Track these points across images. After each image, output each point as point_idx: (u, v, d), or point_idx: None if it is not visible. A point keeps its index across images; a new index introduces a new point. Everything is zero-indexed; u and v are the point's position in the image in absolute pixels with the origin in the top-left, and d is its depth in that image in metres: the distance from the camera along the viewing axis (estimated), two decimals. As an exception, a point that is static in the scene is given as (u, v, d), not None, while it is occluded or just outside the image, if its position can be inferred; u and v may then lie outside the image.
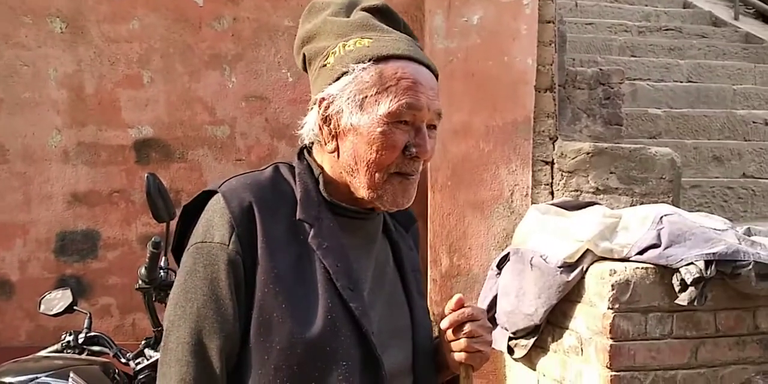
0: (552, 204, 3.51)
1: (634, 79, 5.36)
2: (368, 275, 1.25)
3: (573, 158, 3.68)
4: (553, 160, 3.73)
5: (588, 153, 3.65)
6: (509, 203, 3.68)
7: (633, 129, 4.76)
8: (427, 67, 1.23)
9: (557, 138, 3.76)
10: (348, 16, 1.26)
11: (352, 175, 1.21)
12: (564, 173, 3.68)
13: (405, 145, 1.18)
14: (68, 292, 2.93)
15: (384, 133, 1.17)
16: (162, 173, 3.77)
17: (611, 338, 2.87)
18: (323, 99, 1.21)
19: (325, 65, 1.22)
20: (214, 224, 1.17)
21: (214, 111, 3.93)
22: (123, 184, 3.89)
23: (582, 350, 3.04)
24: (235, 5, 3.94)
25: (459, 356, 1.24)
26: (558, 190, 3.68)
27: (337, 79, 1.20)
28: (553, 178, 3.70)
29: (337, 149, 1.21)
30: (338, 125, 1.20)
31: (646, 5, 7.06)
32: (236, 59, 3.94)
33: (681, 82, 5.60)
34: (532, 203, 3.64)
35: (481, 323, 1.25)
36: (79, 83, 3.88)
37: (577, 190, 3.65)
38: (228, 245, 1.15)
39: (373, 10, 1.26)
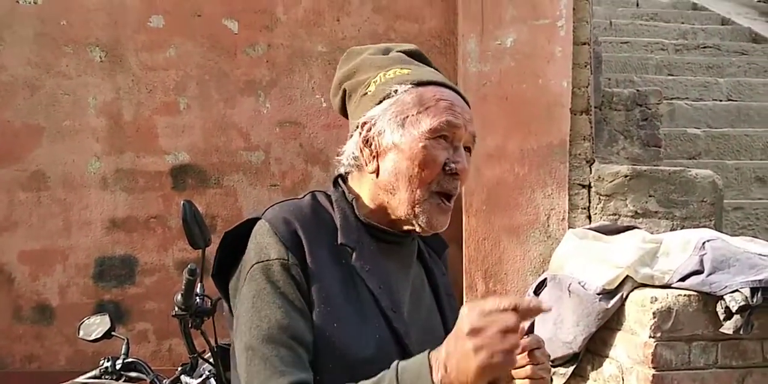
0: (590, 228, 3.45)
1: (672, 99, 5.27)
2: (406, 299, 1.28)
3: (611, 181, 3.62)
4: (590, 183, 3.67)
5: (626, 176, 3.59)
6: (545, 228, 3.63)
7: (672, 149, 4.68)
8: (464, 99, 1.30)
9: (594, 161, 3.71)
10: (385, 55, 1.35)
11: (391, 194, 1.24)
12: (601, 197, 3.62)
13: (444, 161, 1.22)
14: (106, 318, 2.96)
15: (426, 147, 1.21)
16: (198, 199, 3.80)
17: (653, 367, 2.80)
18: (365, 122, 1.26)
19: (366, 93, 1.29)
20: (267, 245, 1.19)
21: (249, 137, 3.97)
22: (160, 210, 3.93)
23: (623, 379, 2.96)
24: (270, 32, 3.98)
25: (522, 383, 1.24)
26: (595, 214, 3.62)
27: (379, 102, 1.26)
28: (590, 202, 3.64)
29: (377, 170, 1.25)
30: (379, 145, 1.25)
31: (683, 23, 6.97)
32: (271, 85, 3.98)
33: (721, 100, 5.49)
34: (569, 228, 3.58)
35: (543, 351, 1.24)
36: (117, 111, 3.95)
37: (615, 214, 3.59)
38: (288, 260, 1.18)
39: (408, 53, 1.35)
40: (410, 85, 1.25)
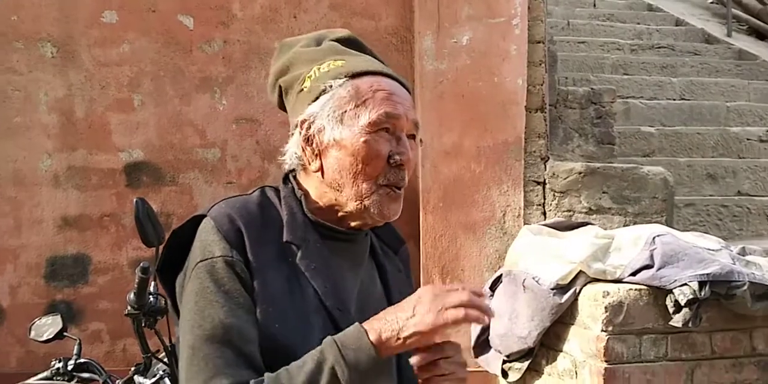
0: (544, 225, 3.49)
1: (627, 98, 5.36)
2: (354, 297, 1.26)
3: (565, 178, 3.67)
4: (545, 180, 3.71)
5: (580, 173, 3.64)
6: (501, 224, 3.66)
7: (626, 147, 4.76)
8: (401, 83, 1.27)
9: (549, 158, 3.75)
10: (318, 47, 1.31)
11: (338, 191, 1.23)
12: (556, 193, 3.67)
13: (388, 154, 1.21)
14: (58, 318, 2.91)
15: (367, 142, 1.20)
16: (152, 197, 3.75)
17: (605, 361, 2.84)
18: (305, 120, 1.24)
19: (302, 89, 1.26)
20: (211, 242, 1.18)
21: (204, 134, 3.92)
22: (113, 208, 3.87)
23: (576, 373, 3.00)
24: (226, 28, 3.95)
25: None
26: (550, 210, 3.67)
27: (316, 98, 1.24)
28: (545, 199, 3.69)
29: (321, 168, 1.23)
30: (321, 143, 1.23)
31: (638, 23, 7.10)
32: (227, 82, 3.94)
33: (674, 99, 5.60)
34: (525, 224, 3.62)
35: (454, 360, 1.18)
36: (69, 107, 3.87)
37: (569, 211, 3.64)
38: (232, 257, 1.16)
39: (341, 41, 1.32)
40: (345, 79, 1.23)
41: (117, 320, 3.68)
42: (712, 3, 7.86)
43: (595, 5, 7.36)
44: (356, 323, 1.13)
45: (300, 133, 1.24)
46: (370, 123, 1.20)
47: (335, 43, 1.30)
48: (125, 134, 3.88)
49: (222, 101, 3.93)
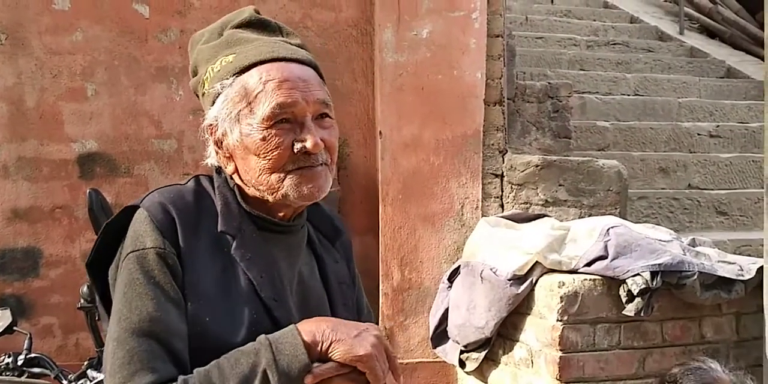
0: (502, 216, 3.53)
1: (583, 93, 5.44)
2: (292, 288, 1.25)
3: (522, 171, 3.71)
4: (502, 172, 3.75)
5: (537, 166, 3.69)
6: (460, 216, 3.69)
7: (582, 141, 4.83)
8: (298, 61, 1.23)
9: (507, 151, 3.79)
10: (218, 39, 1.27)
11: (256, 188, 1.22)
12: (513, 186, 3.71)
13: (291, 143, 1.18)
14: (7, 312, 2.86)
15: (265, 138, 1.18)
16: (107, 188, 3.68)
17: (560, 350, 2.89)
18: (210, 125, 1.23)
19: (204, 93, 1.25)
20: (143, 233, 1.16)
21: (160, 124, 3.86)
22: (66, 199, 3.78)
23: (532, 362, 3.05)
24: (182, 17, 3.88)
25: None
26: (508, 202, 3.71)
27: (213, 102, 1.22)
28: (503, 191, 3.72)
29: (236, 169, 1.23)
30: (228, 146, 1.22)
31: (595, 20, 7.21)
32: (183, 72, 3.87)
33: (628, 95, 5.71)
34: (483, 216, 3.65)
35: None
36: (19, 96, 3.77)
37: (526, 203, 3.68)
38: (164, 249, 1.15)
39: (242, 25, 1.27)
40: (233, 77, 1.20)
41: (69, 314, 3.61)
42: (665, 1, 8.02)
43: (552, 1, 7.44)
44: (292, 326, 1.13)
45: (211, 138, 1.24)
46: (264, 119, 1.18)
47: (234, 32, 1.26)
48: (78, 124, 3.80)
49: (178, 92, 3.87)
